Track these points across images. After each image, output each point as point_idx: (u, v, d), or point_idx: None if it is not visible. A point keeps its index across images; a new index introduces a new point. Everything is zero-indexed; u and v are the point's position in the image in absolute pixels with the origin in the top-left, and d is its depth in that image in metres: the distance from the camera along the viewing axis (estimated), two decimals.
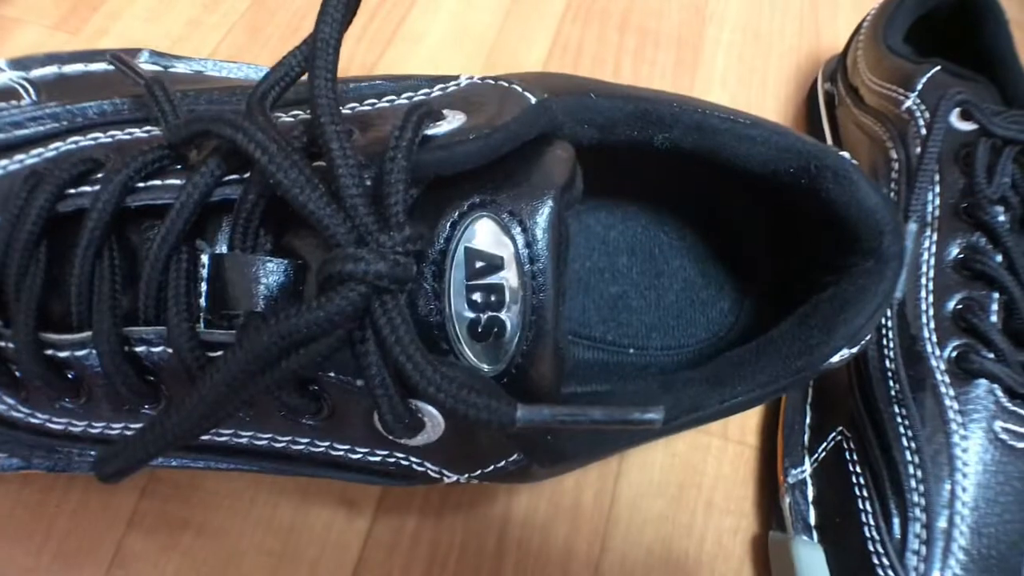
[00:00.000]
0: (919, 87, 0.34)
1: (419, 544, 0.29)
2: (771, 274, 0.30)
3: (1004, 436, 0.29)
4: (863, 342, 0.24)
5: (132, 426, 0.21)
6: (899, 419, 0.29)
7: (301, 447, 0.21)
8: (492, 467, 0.21)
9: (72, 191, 0.19)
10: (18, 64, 0.24)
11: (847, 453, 0.30)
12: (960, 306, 0.30)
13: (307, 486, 0.30)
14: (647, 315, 0.30)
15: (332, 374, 0.18)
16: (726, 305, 0.31)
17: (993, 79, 0.40)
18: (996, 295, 0.30)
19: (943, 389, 0.29)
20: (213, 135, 0.18)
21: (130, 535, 0.28)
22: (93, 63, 0.25)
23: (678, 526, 0.31)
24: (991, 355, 0.29)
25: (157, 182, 0.19)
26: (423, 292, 0.18)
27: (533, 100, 0.20)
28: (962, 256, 0.31)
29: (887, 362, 0.30)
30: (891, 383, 0.30)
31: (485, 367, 0.19)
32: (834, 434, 0.31)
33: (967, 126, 0.33)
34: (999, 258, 0.30)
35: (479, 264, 0.18)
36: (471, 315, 0.18)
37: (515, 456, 0.20)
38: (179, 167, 0.19)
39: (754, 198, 0.29)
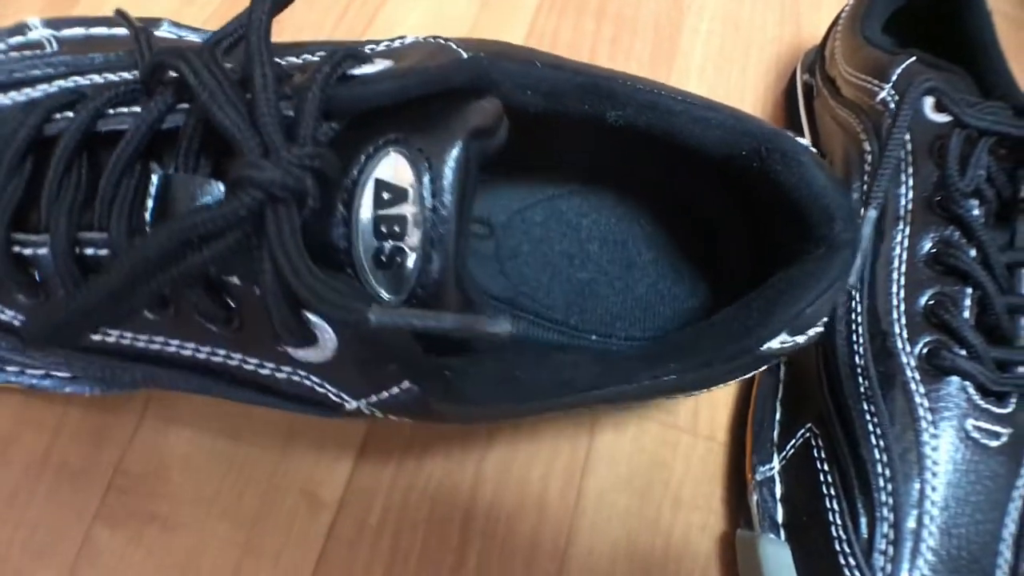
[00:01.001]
0: (894, 78, 0.34)
1: (382, 537, 0.29)
2: (747, 277, 0.29)
3: (976, 435, 0.28)
4: (811, 332, 0.24)
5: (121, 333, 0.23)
6: (868, 416, 0.29)
7: (220, 359, 0.23)
8: (386, 394, 0.21)
9: (57, 116, 0.21)
10: (51, 23, 0.27)
11: (815, 450, 0.29)
12: (932, 302, 0.30)
13: (272, 475, 0.30)
14: (614, 304, 0.30)
15: (236, 280, 0.20)
16: (696, 303, 0.30)
17: (973, 70, 0.39)
18: (969, 290, 0.30)
19: (913, 386, 0.29)
20: (166, 65, 0.20)
21: (96, 527, 0.28)
22: (117, 27, 0.27)
23: (645, 521, 0.31)
24: (963, 352, 0.29)
25: (124, 109, 0.21)
26: (333, 219, 0.19)
27: (464, 56, 0.22)
28: (935, 250, 0.30)
29: (856, 358, 0.30)
30: (860, 379, 0.29)
31: (387, 295, 0.20)
32: (803, 431, 0.30)
33: (941, 117, 0.32)
34: (973, 252, 0.30)
35: (386, 195, 0.19)
36: (376, 243, 0.19)
37: (407, 384, 0.20)
38: (145, 98, 0.21)
39: (720, 188, 0.29)
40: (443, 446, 0.31)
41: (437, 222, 0.19)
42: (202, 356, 0.23)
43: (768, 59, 0.43)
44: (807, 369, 0.31)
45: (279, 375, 0.22)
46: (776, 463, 0.30)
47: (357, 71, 0.20)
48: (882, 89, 0.34)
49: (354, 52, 0.20)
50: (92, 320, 0.18)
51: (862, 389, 0.29)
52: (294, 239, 0.17)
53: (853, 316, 0.31)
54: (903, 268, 0.31)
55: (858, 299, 0.31)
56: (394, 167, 0.19)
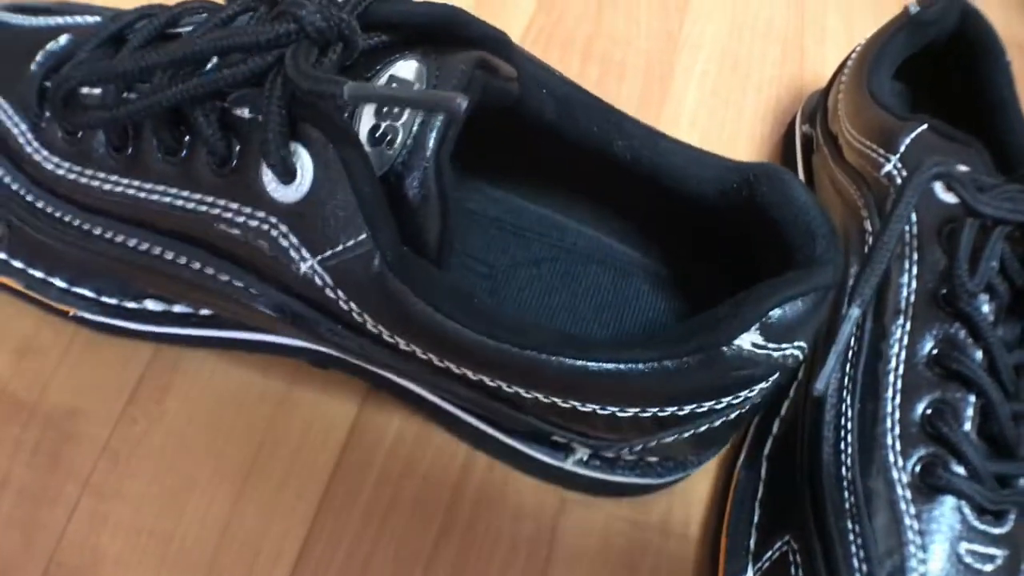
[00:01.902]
0: (902, 149, 0.31)
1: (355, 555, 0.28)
2: None
3: (969, 559, 0.26)
4: (788, 350, 0.23)
5: (130, 182, 0.26)
6: (852, 536, 0.26)
7: (198, 206, 0.24)
8: (341, 246, 0.22)
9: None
10: None
11: (793, 567, 0.27)
12: (930, 411, 0.27)
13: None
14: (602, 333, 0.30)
15: (246, 112, 0.23)
16: None
17: (989, 126, 0.36)
18: (972, 398, 0.27)
19: (903, 506, 0.26)
20: None
21: None
22: None
23: None
24: (960, 469, 0.26)
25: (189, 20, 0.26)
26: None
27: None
28: (936, 351, 0.28)
29: (843, 469, 0.27)
30: (846, 494, 0.27)
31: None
32: (781, 543, 0.28)
33: (953, 198, 0.29)
34: (979, 354, 0.27)
35: (395, 85, 0.23)
36: (374, 120, 0.22)
37: (362, 236, 0.22)
38: None
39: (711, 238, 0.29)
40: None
41: (427, 117, 0.22)
42: (179, 203, 0.25)
43: (766, 102, 0.40)
44: (791, 472, 0.29)
45: (251, 223, 0.24)
46: (751, 574, 0.28)
47: None
48: (888, 161, 0.31)
49: None
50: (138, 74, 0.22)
51: (847, 505, 0.27)
52: (307, 63, 0.21)
53: (842, 422, 0.28)
54: (900, 370, 0.28)
55: (848, 403, 0.28)
56: (408, 67, 0.23)
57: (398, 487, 0.30)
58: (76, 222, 0.27)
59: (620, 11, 0.43)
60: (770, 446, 0.30)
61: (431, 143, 0.22)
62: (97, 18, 0.29)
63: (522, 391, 0.24)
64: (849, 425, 0.28)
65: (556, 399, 0.24)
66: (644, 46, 0.41)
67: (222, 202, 0.24)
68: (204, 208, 0.24)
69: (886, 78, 0.36)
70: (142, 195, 0.25)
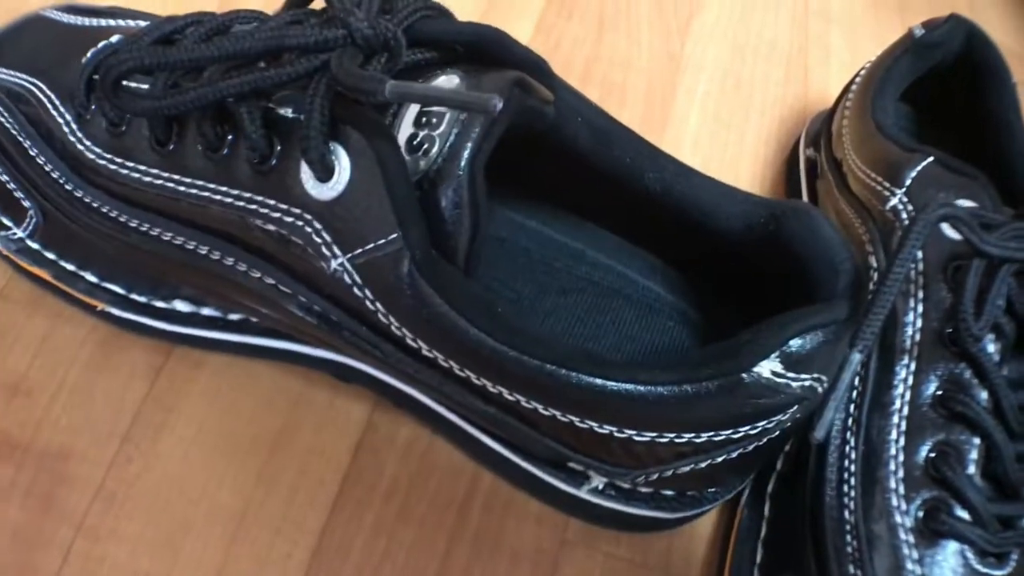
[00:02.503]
0: (907, 182, 0.31)
1: None
2: None
3: None
4: (807, 380, 0.23)
5: (170, 176, 0.26)
6: None
7: (236, 201, 0.25)
8: (372, 244, 0.23)
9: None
10: None
11: None
12: (934, 453, 0.27)
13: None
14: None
15: (289, 112, 0.24)
16: None
17: (996, 150, 0.36)
18: (977, 440, 0.27)
19: (906, 550, 0.26)
20: None
21: None
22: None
23: None
24: (964, 513, 0.26)
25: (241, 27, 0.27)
26: (387, 108, 0.24)
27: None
28: (941, 392, 0.27)
29: (846, 512, 0.27)
30: (848, 538, 0.27)
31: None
32: None
33: (959, 235, 0.29)
34: (984, 395, 0.27)
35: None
36: (412, 129, 0.23)
37: (393, 235, 0.22)
38: None
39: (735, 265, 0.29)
40: None
41: (462, 131, 0.23)
42: (217, 198, 0.26)
43: (770, 123, 0.40)
44: (794, 514, 0.28)
45: (286, 219, 0.24)
46: None
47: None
48: (894, 195, 0.31)
49: (440, 8, 0.26)
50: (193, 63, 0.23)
51: (849, 549, 0.26)
52: (351, 63, 0.22)
53: (845, 463, 0.28)
54: (905, 411, 0.28)
55: (852, 444, 0.28)
56: (449, 81, 0.24)
57: (393, 531, 0.29)
58: (114, 213, 0.28)
59: (621, 33, 0.43)
60: (773, 483, 0.30)
61: (466, 153, 0.22)
62: (147, 22, 0.30)
63: (540, 407, 0.24)
64: (852, 467, 0.27)
65: (573, 418, 0.24)
66: (645, 68, 0.41)
67: (259, 198, 0.25)
68: (241, 204, 0.25)
69: (891, 104, 0.35)
70: (181, 189, 0.26)
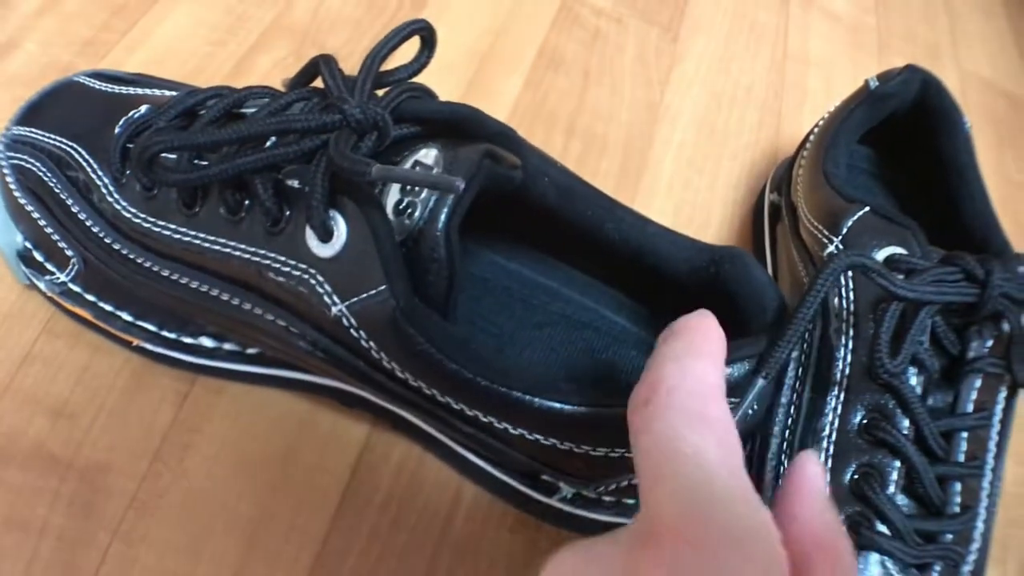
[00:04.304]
0: (844, 231, 0.34)
1: None
2: None
3: None
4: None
5: (196, 234, 0.30)
6: None
7: (251, 258, 0.29)
8: (364, 294, 0.26)
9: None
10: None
11: None
12: (857, 475, 0.30)
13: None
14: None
15: (296, 183, 0.28)
16: None
17: (950, 190, 0.38)
18: (897, 463, 0.30)
19: None
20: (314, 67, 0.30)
21: None
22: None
23: None
24: (884, 528, 0.29)
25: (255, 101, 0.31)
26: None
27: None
28: (867, 421, 0.31)
29: None
30: None
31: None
32: None
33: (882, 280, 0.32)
34: (906, 423, 0.30)
35: (416, 167, 0.27)
36: (399, 196, 0.27)
37: (382, 287, 0.26)
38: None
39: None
40: None
41: (440, 198, 0.26)
42: (236, 253, 0.29)
43: (740, 168, 0.43)
44: None
45: (294, 272, 0.28)
46: None
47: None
48: (831, 242, 0.34)
49: (424, 89, 0.30)
50: (211, 144, 0.27)
51: None
52: (346, 146, 0.25)
53: (780, 483, 0.31)
54: (833, 437, 0.31)
55: (786, 465, 0.31)
56: (429, 154, 0.27)
57: (388, 541, 0.33)
58: (147, 264, 0.31)
59: (605, 85, 0.46)
60: None
61: (443, 217, 0.26)
62: (173, 93, 0.34)
63: (510, 427, 0.27)
64: None
65: (539, 436, 0.27)
66: (626, 119, 0.44)
67: (272, 255, 0.28)
68: (257, 259, 0.29)
69: (843, 155, 0.38)
70: (206, 245, 0.30)
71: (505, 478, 0.33)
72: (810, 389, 0.32)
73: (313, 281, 0.28)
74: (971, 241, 0.35)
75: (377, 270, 0.26)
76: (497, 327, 0.34)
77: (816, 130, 0.40)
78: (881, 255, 0.32)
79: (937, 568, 0.29)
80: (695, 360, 0.21)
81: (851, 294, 0.32)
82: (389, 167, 0.24)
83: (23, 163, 0.33)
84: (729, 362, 0.26)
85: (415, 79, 0.31)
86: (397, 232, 0.26)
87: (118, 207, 0.31)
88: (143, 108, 0.32)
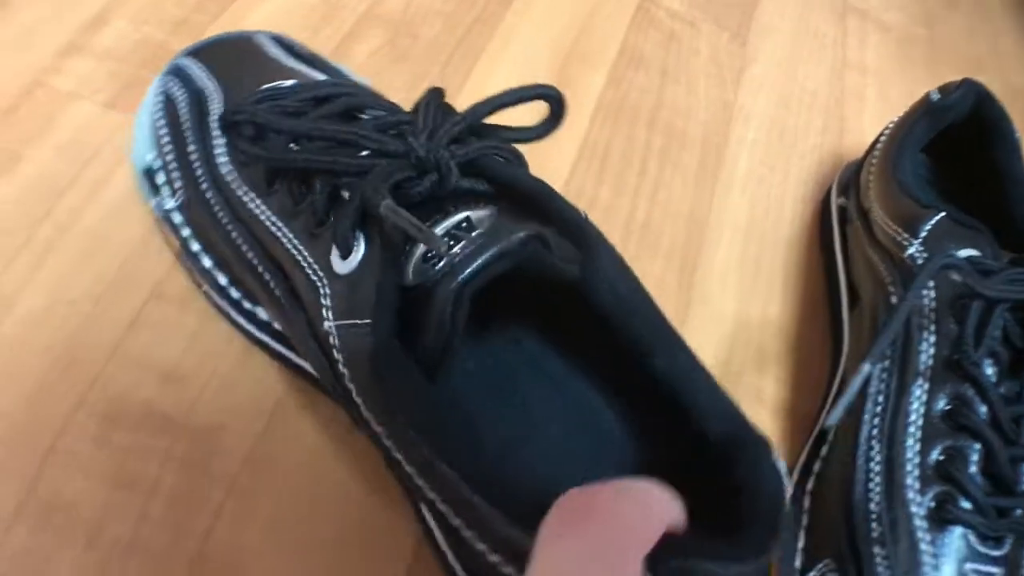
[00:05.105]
0: (923, 234, 0.37)
1: None
2: None
3: None
4: None
5: (265, 209, 0.31)
6: (879, 559, 0.32)
7: (292, 248, 0.30)
8: (352, 322, 0.26)
9: None
10: None
11: None
12: (943, 457, 0.33)
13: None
14: None
15: (346, 194, 0.28)
16: None
17: (1003, 198, 0.41)
18: (977, 446, 0.33)
19: (920, 535, 0.32)
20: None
21: None
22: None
23: None
24: (967, 504, 0.32)
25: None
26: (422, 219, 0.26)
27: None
28: (949, 407, 0.34)
29: (872, 504, 0.33)
30: (874, 525, 0.33)
31: (411, 277, 0.27)
32: (822, 564, 0.34)
33: (961, 278, 0.35)
34: (984, 409, 0.33)
35: (464, 224, 0.27)
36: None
37: (367, 321, 0.26)
38: None
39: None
40: None
41: (466, 256, 0.26)
42: (284, 240, 0.30)
43: (808, 168, 0.46)
44: (830, 506, 0.35)
45: (312, 276, 0.29)
46: None
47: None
48: (911, 244, 0.37)
49: (516, 154, 0.29)
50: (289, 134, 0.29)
51: (875, 534, 0.32)
52: (385, 180, 0.25)
53: (871, 465, 0.34)
54: (920, 423, 0.34)
55: (877, 449, 0.34)
56: (482, 214, 0.27)
57: None
58: (223, 219, 0.32)
59: (682, 84, 0.49)
60: (812, 483, 0.36)
61: (461, 277, 0.25)
62: (326, 78, 0.36)
63: (460, 523, 0.25)
64: (877, 468, 0.33)
65: (483, 545, 0.24)
66: (702, 117, 0.47)
67: (305, 253, 0.29)
68: (294, 252, 0.29)
69: (911, 163, 0.41)
70: (267, 224, 0.30)
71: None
72: (897, 379, 0.35)
73: (322, 292, 0.28)
74: None
75: (369, 306, 0.26)
76: (487, 412, 0.31)
77: (882, 139, 0.43)
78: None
79: (1009, 540, 0.32)
80: (640, 521, 0.20)
81: (932, 292, 0.35)
82: (396, 208, 0.24)
83: (173, 90, 0.35)
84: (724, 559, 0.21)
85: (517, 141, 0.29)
86: (417, 276, 0.26)
87: (221, 160, 0.33)
88: (289, 82, 0.34)
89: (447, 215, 0.27)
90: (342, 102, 0.31)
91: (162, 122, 0.35)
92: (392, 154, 0.27)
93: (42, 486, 0.32)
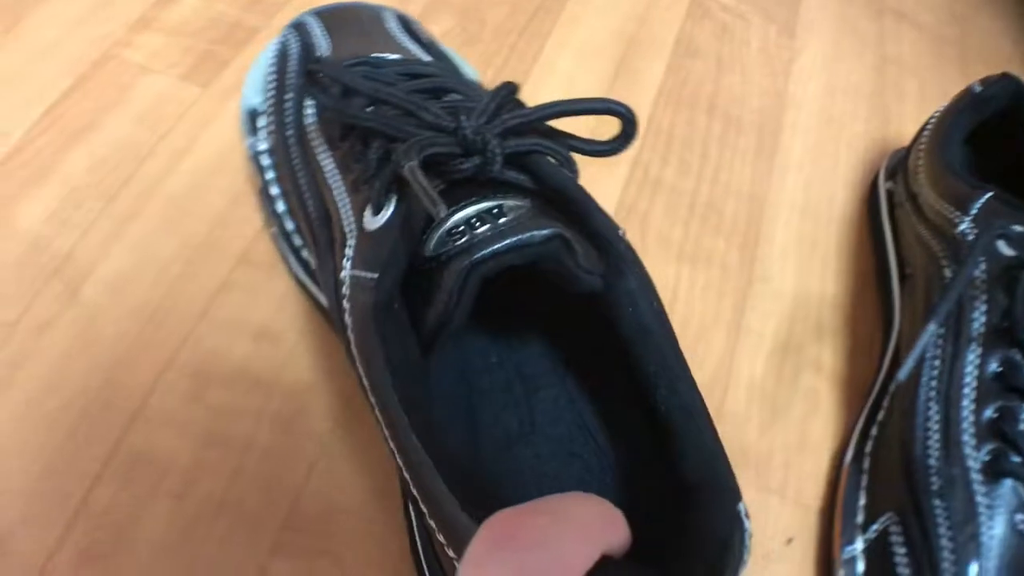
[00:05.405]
0: (973, 211, 0.39)
1: None
2: None
3: (1022, 527, 0.34)
4: None
5: (330, 159, 0.32)
6: (939, 510, 0.34)
7: (339, 197, 0.31)
8: (363, 274, 0.27)
9: None
10: None
11: (894, 536, 0.35)
12: (996, 415, 0.36)
13: None
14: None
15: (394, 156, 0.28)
16: None
17: None
18: None
19: (976, 487, 0.34)
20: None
21: (272, 562, 0.31)
22: None
23: None
24: (1018, 459, 0.35)
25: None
26: (458, 199, 0.27)
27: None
28: (1001, 370, 0.36)
29: (931, 460, 0.35)
30: (933, 479, 0.35)
31: (431, 248, 0.27)
32: (884, 518, 0.36)
33: (1012, 251, 0.37)
34: None
35: (495, 211, 0.27)
36: (461, 221, 0.27)
37: (375, 276, 0.26)
38: None
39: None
40: None
41: (494, 235, 0.26)
42: (329, 165, 0.32)
43: (856, 155, 0.48)
44: (890, 464, 0.37)
45: (347, 227, 0.30)
46: (860, 544, 0.36)
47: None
48: (963, 221, 0.39)
49: (568, 159, 0.29)
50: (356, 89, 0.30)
51: (934, 487, 0.35)
52: (422, 148, 0.26)
53: (930, 424, 0.36)
54: (974, 384, 0.36)
55: (935, 410, 0.37)
56: (518, 203, 0.27)
57: None
58: (298, 167, 0.34)
59: (736, 73, 0.51)
60: (871, 445, 0.39)
61: (475, 256, 0.25)
62: (429, 60, 0.37)
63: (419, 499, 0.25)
64: (935, 427, 0.36)
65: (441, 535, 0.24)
66: (756, 104, 0.49)
67: (348, 204, 0.30)
68: (340, 201, 0.31)
69: (957, 149, 0.44)
70: (328, 173, 0.32)
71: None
72: (951, 345, 0.38)
73: (349, 242, 0.29)
74: None
75: (379, 264, 0.27)
76: (471, 403, 0.32)
77: (928, 128, 0.46)
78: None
79: None
80: (572, 547, 0.18)
81: (983, 265, 0.38)
82: (416, 171, 0.25)
83: (290, 42, 0.37)
84: None
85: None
86: (437, 248, 0.27)
87: (309, 111, 0.35)
88: (394, 56, 0.36)
89: (483, 199, 0.27)
90: (430, 81, 0.33)
91: (272, 69, 0.37)
92: (443, 129, 0.27)
93: (132, 444, 0.33)
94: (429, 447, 0.24)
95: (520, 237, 0.26)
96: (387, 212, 0.27)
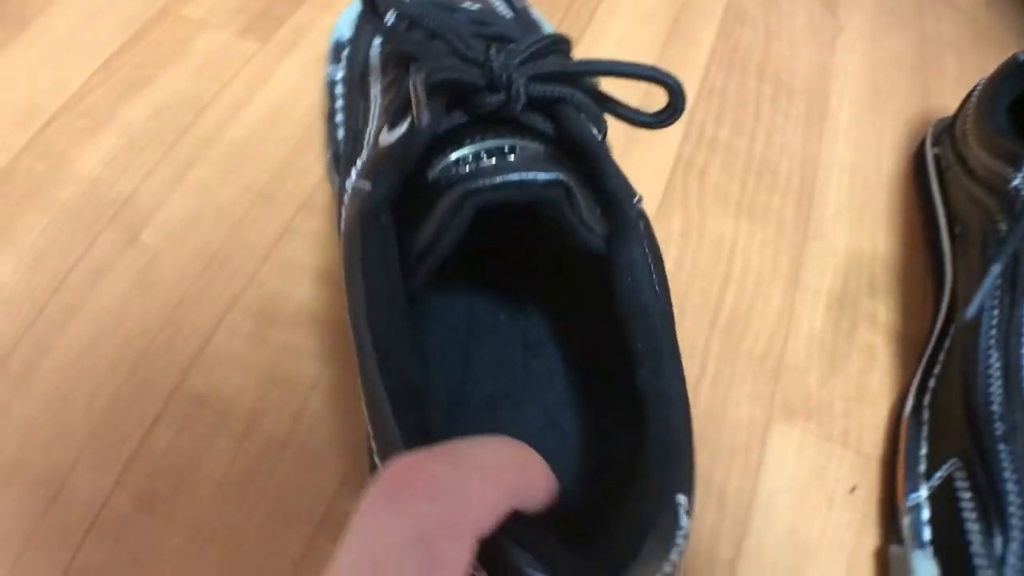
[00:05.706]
0: None
1: None
2: None
3: None
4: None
5: (378, 84, 0.34)
6: (1003, 454, 0.35)
7: (371, 114, 0.33)
8: (364, 181, 0.28)
9: None
10: None
11: (958, 481, 0.36)
12: None
13: None
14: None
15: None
16: None
17: None
18: None
19: None
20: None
21: (340, 500, 0.31)
22: None
23: (804, 519, 0.36)
24: None
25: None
26: (470, 128, 0.27)
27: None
28: None
29: (993, 406, 0.36)
30: (997, 424, 0.35)
31: (434, 173, 0.27)
32: (947, 464, 0.37)
33: None
34: None
35: (507, 148, 0.27)
36: (467, 151, 0.27)
37: (370, 185, 0.27)
38: None
39: None
40: None
41: (496, 170, 0.26)
42: (372, 111, 0.33)
43: (901, 124, 0.49)
44: (952, 412, 0.38)
45: (366, 142, 0.31)
46: (924, 491, 0.37)
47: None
48: (1016, 177, 0.40)
49: (598, 118, 0.29)
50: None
51: (998, 432, 0.35)
52: (440, 70, 0.26)
53: (991, 371, 0.37)
54: None
55: (995, 356, 0.37)
56: (532, 145, 0.27)
57: None
58: (356, 95, 0.35)
59: (784, 42, 0.52)
60: (928, 398, 0.39)
61: (471, 186, 0.25)
62: (504, 13, 0.39)
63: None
64: (996, 373, 0.36)
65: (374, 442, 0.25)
66: (804, 72, 0.50)
67: (376, 123, 0.31)
68: (372, 121, 0.33)
69: (1003, 114, 0.45)
70: (372, 97, 0.33)
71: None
72: (1008, 295, 0.39)
73: (363, 155, 0.31)
74: None
75: (378, 175, 0.27)
76: (470, 358, 0.32)
77: (975, 95, 0.47)
78: None
79: None
80: (479, 497, 0.17)
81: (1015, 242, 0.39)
82: (419, 84, 0.25)
83: None
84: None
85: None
86: (440, 172, 0.27)
87: (373, 52, 0.36)
88: (472, 7, 0.37)
89: (499, 136, 0.27)
90: (493, 28, 0.34)
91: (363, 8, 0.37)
92: (471, 60, 0.27)
93: (192, 385, 0.33)
94: (390, 369, 0.23)
95: (522, 175, 0.25)
96: (400, 129, 0.27)
